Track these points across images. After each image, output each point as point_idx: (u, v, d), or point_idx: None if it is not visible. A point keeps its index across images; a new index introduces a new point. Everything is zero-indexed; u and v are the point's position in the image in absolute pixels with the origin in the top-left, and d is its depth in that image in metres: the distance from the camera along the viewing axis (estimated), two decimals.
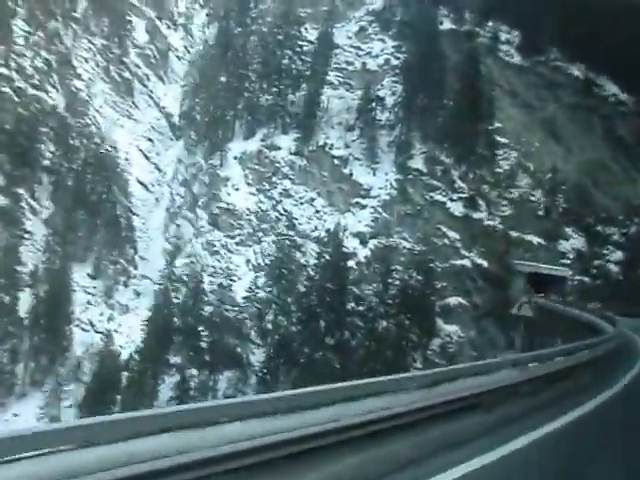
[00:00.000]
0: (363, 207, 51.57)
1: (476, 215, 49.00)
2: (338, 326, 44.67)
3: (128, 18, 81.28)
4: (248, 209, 55.33)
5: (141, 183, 71.39)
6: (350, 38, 60.84)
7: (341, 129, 55.15)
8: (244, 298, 48.80)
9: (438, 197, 49.79)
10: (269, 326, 46.77)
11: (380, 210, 50.85)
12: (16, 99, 60.13)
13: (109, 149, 66.00)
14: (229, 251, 54.88)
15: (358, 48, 59.97)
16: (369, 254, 48.97)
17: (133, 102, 77.39)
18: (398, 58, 56.93)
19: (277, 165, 55.53)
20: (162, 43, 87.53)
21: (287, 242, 50.32)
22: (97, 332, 53.99)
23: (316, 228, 51.76)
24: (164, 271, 53.91)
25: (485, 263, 47.82)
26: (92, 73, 72.84)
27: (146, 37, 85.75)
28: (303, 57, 58.83)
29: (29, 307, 51.22)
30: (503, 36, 57.64)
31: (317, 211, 52.90)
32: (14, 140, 57.03)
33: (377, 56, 58.54)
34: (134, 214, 67.26)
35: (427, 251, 47.02)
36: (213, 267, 53.84)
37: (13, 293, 51.80)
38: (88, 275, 57.61)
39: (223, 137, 59.55)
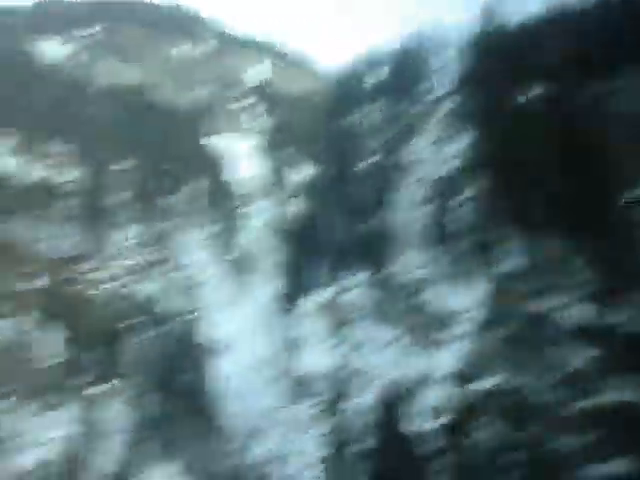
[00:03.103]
0: (451, 340, 37.15)
1: (613, 320, 31.49)
2: None
3: (242, 206, 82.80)
4: (323, 374, 43.99)
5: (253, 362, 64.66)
6: (425, 149, 51.43)
7: (417, 249, 43.38)
8: None
9: (551, 303, 33.74)
10: None
11: (474, 339, 35.94)
12: (104, 299, 60.07)
13: (203, 333, 61.78)
14: (304, 430, 42.87)
15: (435, 156, 50.01)
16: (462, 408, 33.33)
17: (246, 284, 74.42)
18: (478, 151, 45.44)
19: (349, 309, 44.64)
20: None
21: (354, 411, 37.30)
22: None
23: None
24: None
25: None
26: (199, 262, 72.42)
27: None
28: (371, 183, 50.53)
29: None
30: (619, 82, 43.32)
31: (396, 356, 39.57)
32: (104, 335, 55.43)
33: (455, 157, 47.69)
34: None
35: (546, 389, 30.36)
36: (284, 452, 42.01)
37: None
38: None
39: (300, 290, 51.32)
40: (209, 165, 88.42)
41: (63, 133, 71.14)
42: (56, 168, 68.38)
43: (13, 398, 47.03)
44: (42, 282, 57.03)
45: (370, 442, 32.89)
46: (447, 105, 53.96)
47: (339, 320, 45.18)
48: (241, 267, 74.00)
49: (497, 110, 45.95)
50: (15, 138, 68.11)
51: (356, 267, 47.12)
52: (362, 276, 45.66)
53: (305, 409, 43.40)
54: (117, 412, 51.36)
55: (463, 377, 33.67)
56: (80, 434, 47.35)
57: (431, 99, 57.19)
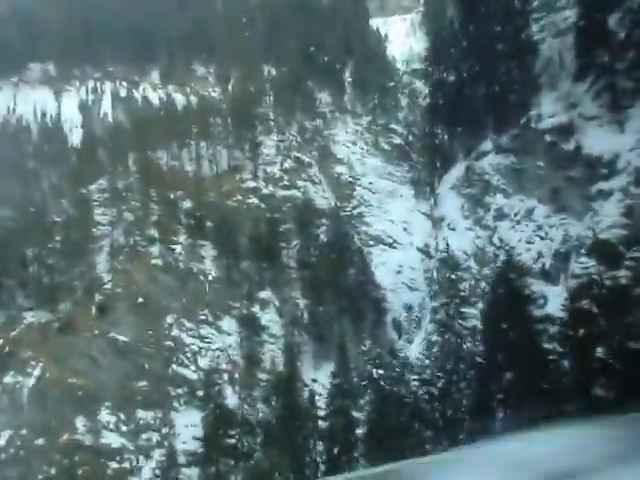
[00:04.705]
0: (607, 195, 28.63)
1: None
2: None
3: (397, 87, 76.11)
4: (465, 252, 38.39)
5: (422, 250, 60.95)
6: None
7: (558, 85, 34.01)
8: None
9: None
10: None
11: (636, 190, 27.15)
12: (263, 205, 60.53)
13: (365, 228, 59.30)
14: (451, 317, 38.39)
15: None
16: (624, 277, 25.61)
17: (402, 172, 69.23)
18: None
19: (485, 178, 37.62)
20: None
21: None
22: None
23: (540, 255, 31.15)
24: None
25: None
26: (359, 153, 68.87)
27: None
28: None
29: (262, 420, 46.26)
30: None
31: (539, 226, 32.24)
32: (256, 243, 56.42)
33: None
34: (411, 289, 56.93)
35: None
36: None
37: (253, 403, 48.05)
38: (332, 373, 49.54)
39: (439, 167, 45.14)
40: (371, 47, 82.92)
41: (203, 55, 71.68)
42: (199, 90, 69.64)
43: (174, 315, 50.92)
44: (195, 202, 59.46)
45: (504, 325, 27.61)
46: None
47: (477, 194, 38.47)
48: (397, 155, 68.81)
49: None
50: (155, 72, 70.63)
51: (490, 130, 39.09)
52: (496, 140, 37.68)
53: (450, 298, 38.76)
54: (276, 316, 52.70)
55: (614, 246, 25.87)
56: (240, 343, 49.68)
57: None
